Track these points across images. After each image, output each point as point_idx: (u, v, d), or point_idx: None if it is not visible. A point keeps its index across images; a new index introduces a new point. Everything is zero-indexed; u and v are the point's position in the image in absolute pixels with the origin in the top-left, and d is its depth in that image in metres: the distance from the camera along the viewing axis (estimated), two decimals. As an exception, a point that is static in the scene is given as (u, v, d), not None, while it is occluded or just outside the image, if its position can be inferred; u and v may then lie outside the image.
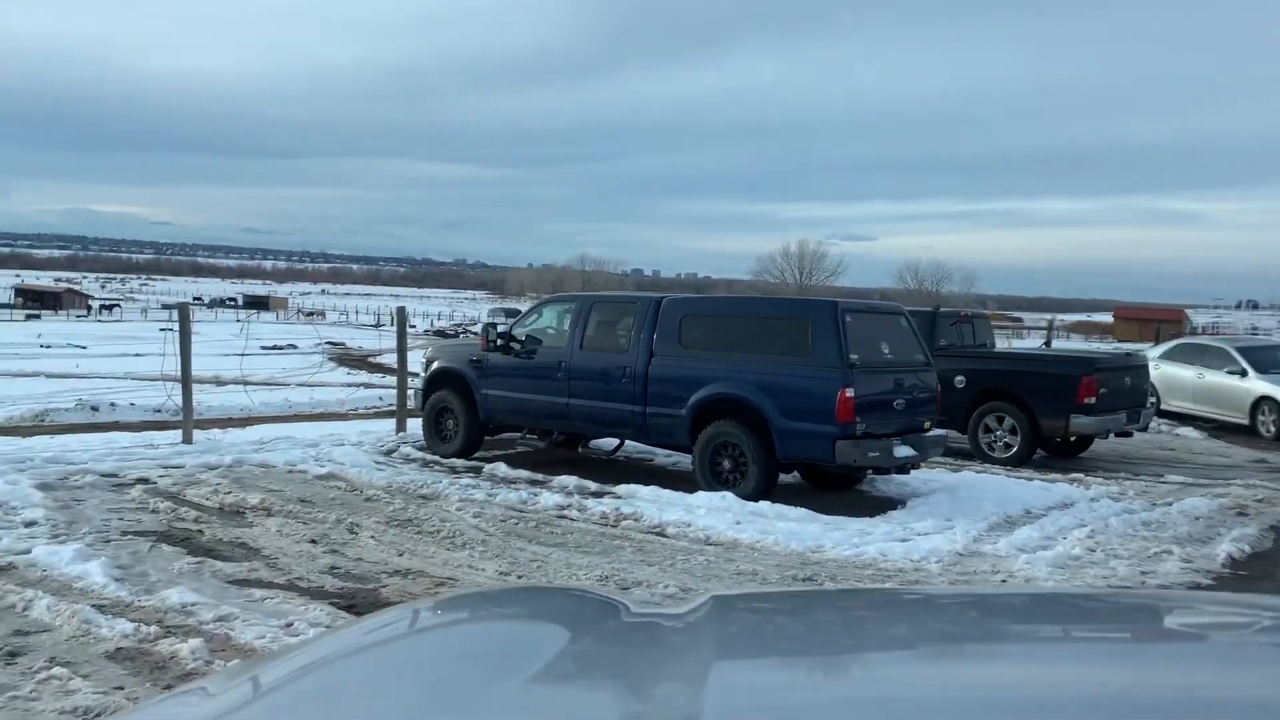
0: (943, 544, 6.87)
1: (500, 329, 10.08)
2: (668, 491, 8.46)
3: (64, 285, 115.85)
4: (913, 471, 9.05)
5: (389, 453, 10.31)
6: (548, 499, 8.10)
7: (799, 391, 8.19)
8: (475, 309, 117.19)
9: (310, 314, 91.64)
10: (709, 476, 8.61)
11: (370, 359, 41.25)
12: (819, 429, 8.00)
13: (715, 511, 7.66)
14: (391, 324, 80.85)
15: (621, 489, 8.64)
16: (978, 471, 10.34)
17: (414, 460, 9.98)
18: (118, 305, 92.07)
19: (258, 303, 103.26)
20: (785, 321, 8.74)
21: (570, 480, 8.89)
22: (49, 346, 39.80)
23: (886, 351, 8.71)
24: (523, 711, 1.04)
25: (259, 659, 1.50)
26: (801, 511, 7.64)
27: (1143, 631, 1.48)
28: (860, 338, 8.34)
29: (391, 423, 14.08)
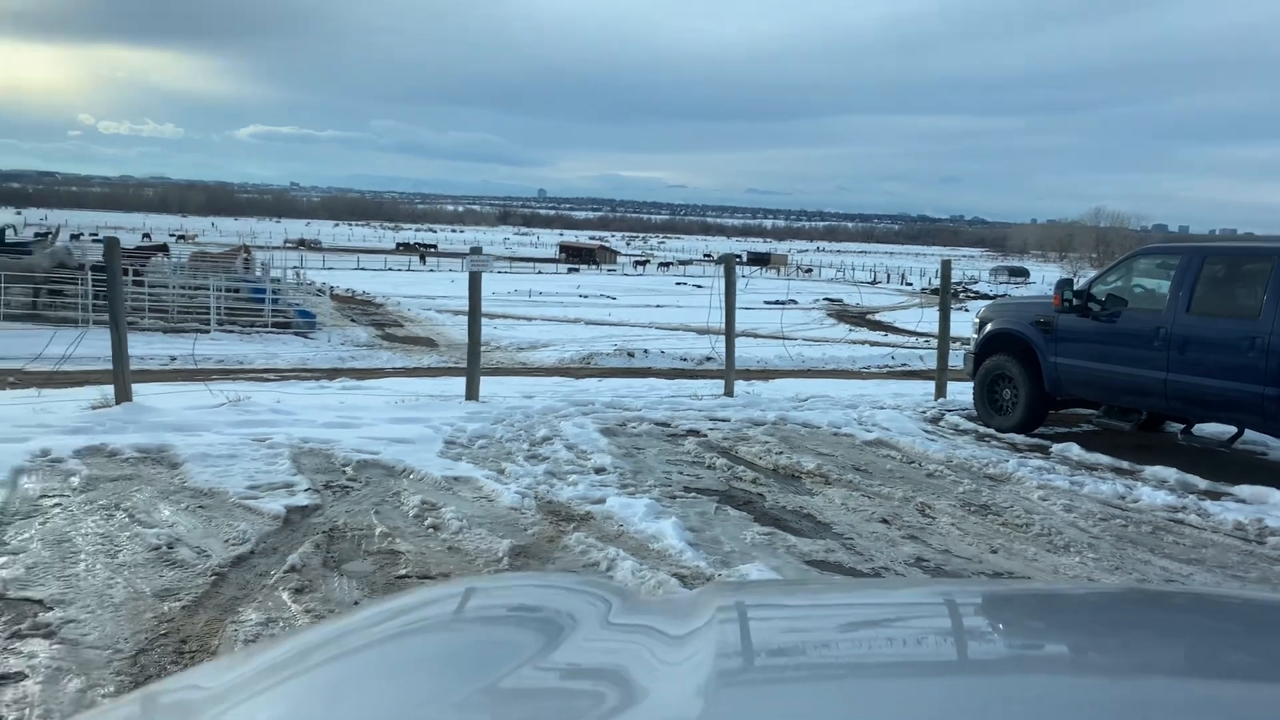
0: None
1: (1078, 286, 8.53)
2: (1317, 501, 6.50)
3: (597, 242, 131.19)
4: None
5: (934, 420, 9.31)
6: (1150, 496, 6.57)
7: None
8: (974, 267, 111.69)
9: (808, 270, 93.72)
10: (1384, 488, 6.45)
11: (868, 315, 40.82)
12: None
13: None
14: (888, 281, 79.89)
15: (1244, 490, 6.85)
16: None
17: (965, 432, 8.87)
18: (679, 264, 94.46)
19: (759, 259, 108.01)
20: None
21: (1168, 473, 7.22)
22: (586, 296, 44.89)
23: None
24: None
25: (247, 651, 1.32)
26: None
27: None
28: None
29: (920, 384, 13.14)
